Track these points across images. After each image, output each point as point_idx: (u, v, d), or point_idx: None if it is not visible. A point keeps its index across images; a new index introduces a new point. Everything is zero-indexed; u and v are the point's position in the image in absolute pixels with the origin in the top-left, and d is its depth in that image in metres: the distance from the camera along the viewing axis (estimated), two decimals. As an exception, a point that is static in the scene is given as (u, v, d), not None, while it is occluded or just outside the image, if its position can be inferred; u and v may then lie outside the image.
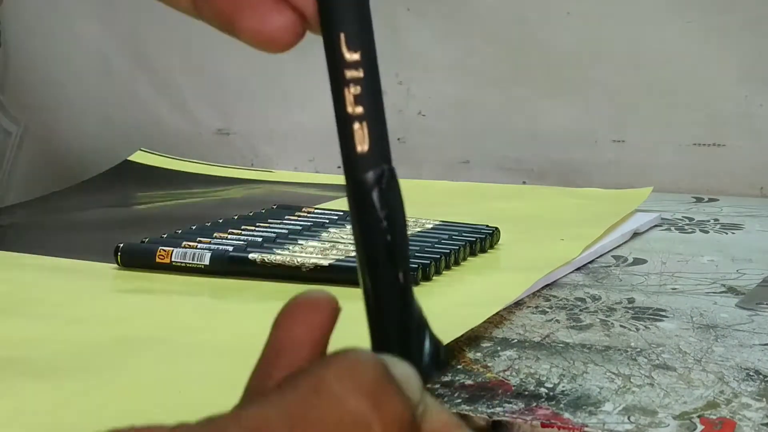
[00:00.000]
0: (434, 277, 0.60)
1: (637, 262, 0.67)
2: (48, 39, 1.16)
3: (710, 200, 0.90)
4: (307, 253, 0.62)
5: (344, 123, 0.27)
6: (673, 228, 0.78)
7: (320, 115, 1.10)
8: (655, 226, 0.78)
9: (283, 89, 1.08)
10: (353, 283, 0.63)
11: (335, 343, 0.47)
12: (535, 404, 0.42)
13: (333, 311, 0.27)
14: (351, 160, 0.27)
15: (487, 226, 0.68)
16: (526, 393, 0.43)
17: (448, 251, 0.62)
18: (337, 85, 0.27)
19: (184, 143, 1.11)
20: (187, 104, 1.12)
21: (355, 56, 0.27)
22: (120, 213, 0.85)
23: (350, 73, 0.27)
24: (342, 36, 0.26)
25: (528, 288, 0.57)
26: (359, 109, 0.27)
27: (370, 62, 0.27)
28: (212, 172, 1.01)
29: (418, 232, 0.68)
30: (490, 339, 0.50)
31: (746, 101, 0.95)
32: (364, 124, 0.27)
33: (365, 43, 0.27)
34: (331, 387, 0.24)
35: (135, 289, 0.61)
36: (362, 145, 0.27)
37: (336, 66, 0.27)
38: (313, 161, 1.08)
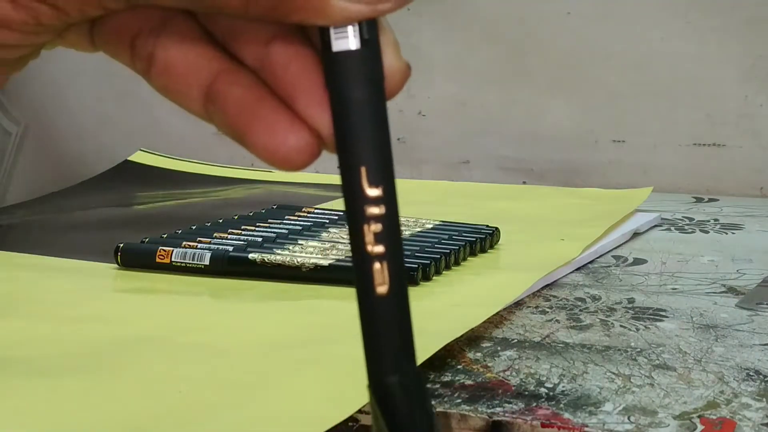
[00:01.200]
0: (434, 277, 0.60)
1: (637, 262, 0.67)
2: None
3: (710, 200, 0.90)
4: (307, 253, 0.62)
5: (363, 263, 0.25)
6: (673, 228, 0.78)
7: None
8: (655, 226, 0.78)
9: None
10: (352, 283, 0.63)
11: (336, 343, 0.47)
12: (535, 404, 0.42)
13: None
14: (369, 324, 0.25)
15: (487, 226, 0.68)
16: (526, 393, 0.43)
17: (448, 251, 0.62)
18: (356, 221, 0.25)
19: (184, 143, 1.11)
20: (187, 104, 1.12)
21: (377, 191, 0.25)
22: (120, 213, 0.85)
23: (371, 210, 0.25)
24: (363, 170, 0.25)
25: (528, 288, 0.57)
26: (379, 248, 0.25)
27: (391, 197, 0.25)
28: (212, 172, 1.01)
29: (418, 232, 0.68)
30: (490, 339, 0.50)
31: (746, 101, 0.95)
32: (385, 264, 0.25)
33: (387, 177, 0.25)
34: None
35: (135, 289, 0.61)
36: (382, 287, 0.25)
37: (355, 201, 0.25)
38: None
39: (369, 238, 0.25)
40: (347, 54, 0.25)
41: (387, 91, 0.26)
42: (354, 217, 0.25)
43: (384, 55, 0.26)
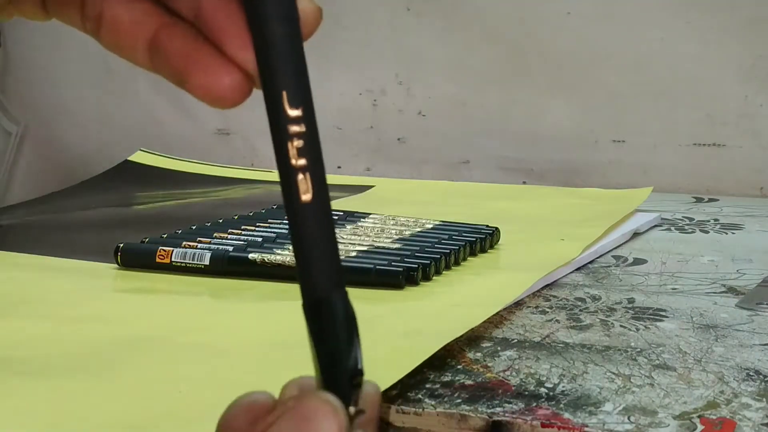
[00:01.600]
0: (434, 277, 0.60)
1: (637, 262, 0.67)
2: (48, 39, 1.16)
3: (710, 200, 0.90)
4: (307, 253, 0.62)
5: (288, 175, 0.28)
6: (673, 228, 0.78)
7: (320, 115, 1.10)
8: (655, 226, 0.78)
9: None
10: (353, 283, 0.63)
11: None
12: (535, 404, 0.42)
13: (271, 408, 0.29)
14: (299, 228, 0.29)
15: (487, 226, 0.68)
16: (526, 393, 0.43)
17: (448, 251, 0.62)
18: (280, 139, 0.28)
19: (184, 143, 1.11)
20: (187, 104, 1.12)
21: (297, 112, 0.28)
22: (120, 213, 0.85)
23: (293, 128, 0.28)
24: (284, 94, 0.28)
25: (528, 288, 0.57)
26: (302, 161, 0.28)
27: (310, 117, 0.28)
28: (212, 172, 1.01)
29: (418, 232, 0.68)
30: (490, 339, 0.50)
31: (746, 101, 0.95)
32: (307, 175, 0.28)
33: (306, 99, 0.28)
34: None
35: (135, 289, 0.61)
36: (306, 195, 0.28)
37: (279, 122, 0.28)
38: (313, 161, 1.07)
39: (293, 152, 0.28)
40: None
41: (303, 31, 0.29)
42: (278, 136, 0.28)
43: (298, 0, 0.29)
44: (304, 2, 0.30)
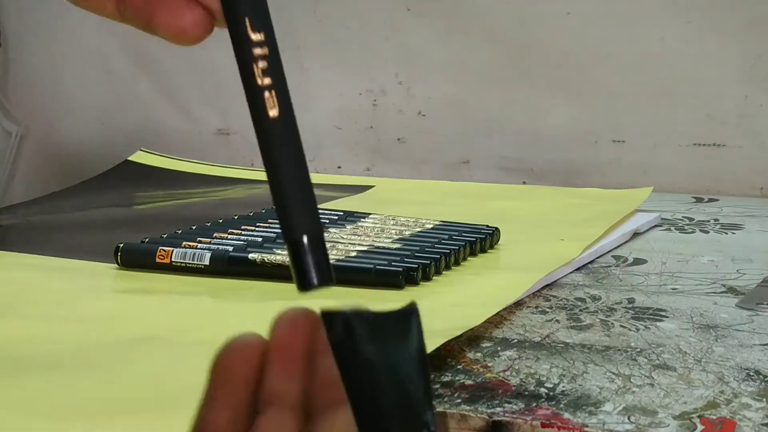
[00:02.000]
0: (434, 277, 0.60)
1: (637, 262, 0.67)
2: (48, 39, 1.16)
3: (710, 200, 0.90)
4: (307, 253, 0.62)
5: (255, 94, 0.31)
6: (673, 228, 0.78)
7: (320, 115, 1.10)
8: (655, 226, 0.78)
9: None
10: (353, 283, 0.63)
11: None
12: (535, 404, 0.42)
13: (263, 348, 0.32)
14: (267, 139, 0.31)
15: (487, 226, 0.68)
16: (526, 393, 0.43)
17: (448, 251, 0.62)
18: (246, 62, 0.31)
19: (184, 143, 1.11)
20: (187, 104, 1.12)
21: (260, 36, 0.31)
22: (120, 213, 0.85)
23: (256, 51, 0.31)
24: (247, 20, 0.31)
25: (528, 288, 0.57)
26: (267, 80, 0.31)
27: (271, 41, 0.31)
28: (212, 172, 1.01)
29: (418, 232, 0.68)
30: (490, 339, 0.50)
31: (746, 101, 0.95)
32: (273, 92, 0.31)
33: (266, 25, 0.31)
34: None
35: (135, 289, 0.61)
36: (273, 110, 0.31)
37: (243, 46, 0.31)
38: (313, 161, 1.07)
39: (258, 73, 0.31)
40: None
41: None
42: (244, 59, 0.31)
43: None
44: None
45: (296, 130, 0.31)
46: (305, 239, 0.34)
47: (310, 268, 0.35)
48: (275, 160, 0.31)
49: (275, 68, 0.31)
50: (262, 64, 0.31)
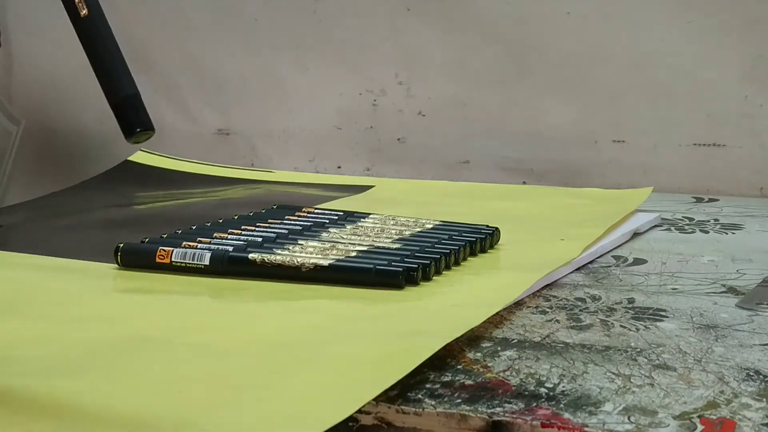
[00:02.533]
0: (434, 277, 0.60)
1: (637, 262, 0.67)
2: (49, 39, 1.16)
3: (710, 200, 0.91)
4: (307, 253, 0.62)
5: (69, 3, 0.37)
6: (673, 228, 0.78)
7: (320, 115, 1.10)
8: (655, 226, 0.78)
9: (283, 89, 1.08)
10: (353, 283, 0.63)
11: (335, 343, 0.47)
12: (535, 404, 0.42)
13: None
14: (84, 31, 0.37)
15: (487, 226, 0.68)
16: (526, 393, 0.43)
17: (448, 251, 0.62)
18: None
19: (184, 143, 1.11)
20: (187, 104, 1.12)
21: None
22: (120, 213, 0.85)
23: None
24: None
25: (528, 288, 0.57)
26: None
27: None
28: (212, 172, 1.01)
29: (418, 232, 0.68)
30: (490, 339, 0.50)
31: (746, 101, 0.95)
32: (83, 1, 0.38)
33: None
34: None
35: (135, 289, 0.61)
36: (84, 11, 0.38)
37: None
38: (313, 161, 1.08)
39: None
40: None
41: None
42: None
43: None
44: None
45: (105, 23, 0.38)
46: (125, 97, 0.38)
47: (134, 118, 0.39)
48: (93, 46, 0.37)
49: None
50: None
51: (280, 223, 0.70)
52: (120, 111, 0.40)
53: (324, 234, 0.67)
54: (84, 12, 0.36)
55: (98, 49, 0.39)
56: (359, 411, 0.40)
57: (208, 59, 1.11)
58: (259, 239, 0.65)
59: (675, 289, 0.60)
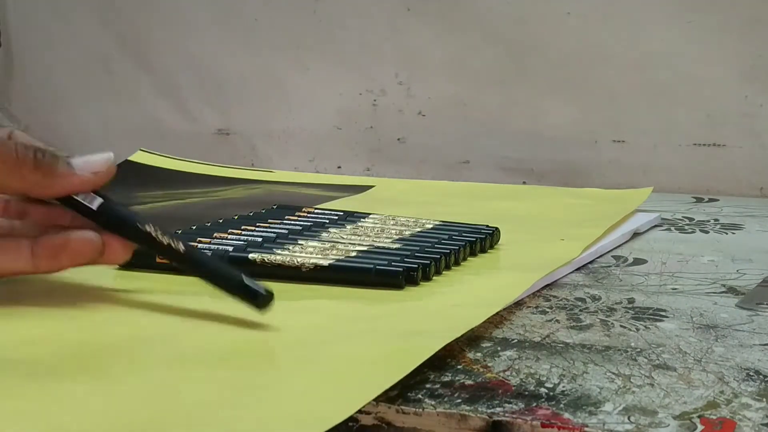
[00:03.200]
0: (434, 277, 0.60)
1: (637, 262, 0.67)
2: (48, 39, 1.16)
3: (710, 200, 0.91)
4: (307, 253, 0.62)
5: (165, 250, 0.53)
6: (673, 228, 0.78)
7: (320, 115, 1.10)
8: (655, 226, 0.78)
9: (283, 89, 1.08)
10: (353, 283, 0.63)
11: (335, 343, 0.46)
12: (535, 404, 0.42)
13: None
14: (188, 264, 0.54)
15: (487, 226, 0.68)
16: (526, 393, 0.43)
17: (448, 251, 0.62)
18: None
19: (184, 143, 1.11)
20: (187, 104, 1.12)
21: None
22: (120, 213, 0.85)
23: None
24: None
25: (528, 288, 0.57)
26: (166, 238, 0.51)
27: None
28: (212, 172, 1.01)
29: (418, 232, 0.68)
30: (490, 339, 0.50)
31: (746, 101, 0.95)
32: (173, 240, 0.53)
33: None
34: None
35: (135, 289, 0.61)
36: (180, 247, 0.52)
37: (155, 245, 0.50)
38: (313, 161, 1.08)
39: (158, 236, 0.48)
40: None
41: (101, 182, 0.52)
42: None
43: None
44: (97, 164, 0.49)
45: (198, 252, 0.50)
46: (243, 276, 0.50)
47: (258, 287, 0.49)
48: (200, 269, 0.52)
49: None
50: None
51: (280, 223, 0.70)
52: (244, 286, 0.50)
53: (324, 234, 0.67)
54: (181, 248, 0.49)
55: (204, 267, 0.52)
56: (359, 411, 0.40)
57: (208, 59, 1.11)
58: (259, 239, 0.65)
59: (675, 289, 0.60)
